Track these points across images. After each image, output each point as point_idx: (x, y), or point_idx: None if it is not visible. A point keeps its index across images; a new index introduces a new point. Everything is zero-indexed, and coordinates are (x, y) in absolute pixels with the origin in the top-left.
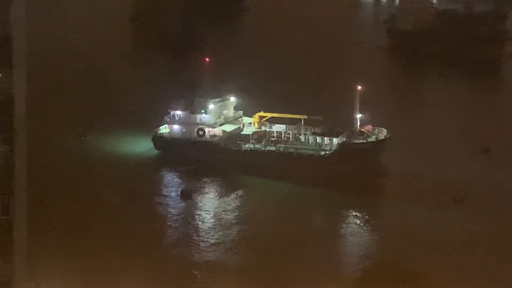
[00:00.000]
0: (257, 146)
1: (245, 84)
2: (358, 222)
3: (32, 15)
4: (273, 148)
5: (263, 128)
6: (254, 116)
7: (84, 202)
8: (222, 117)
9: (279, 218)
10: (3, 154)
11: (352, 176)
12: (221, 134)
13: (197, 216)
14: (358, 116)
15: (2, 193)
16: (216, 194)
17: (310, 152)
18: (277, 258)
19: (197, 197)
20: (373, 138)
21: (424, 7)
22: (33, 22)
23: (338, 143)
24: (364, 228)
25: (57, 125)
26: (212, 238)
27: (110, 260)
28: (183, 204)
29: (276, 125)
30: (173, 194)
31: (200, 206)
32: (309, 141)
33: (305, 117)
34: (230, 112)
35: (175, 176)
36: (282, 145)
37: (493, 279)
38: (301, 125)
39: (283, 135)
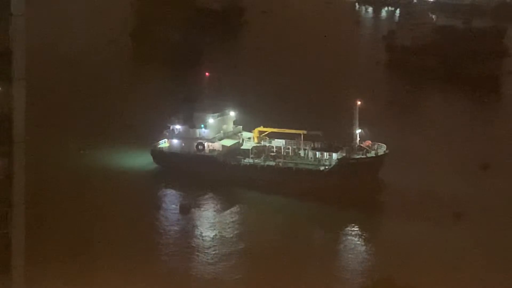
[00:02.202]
0: (257, 161)
1: (244, 99)
2: (357, 237)
3: (32, 29)
4: (273, 163)
5: (262, 143)
6: (253, 131)
7: (82, 216)
8: (221, 131)
9: (278, 233)
10: (1, 167)
11: (351, 191)
12: (220, 149)
13: (195, 231)
14: (358, 131)
15: (1, 206)
16: (215, 208)
17: (310, 167)
18: (276, 273)
19: (196, 212)
20: (372, 154)
21: (424, 23)
22: (33, 36)
23: (337, 158)
24: (363, 243)
25: (56, 139)
26: (210, 253)
27: (108, 273)
28: (181, 219)
29: (276, 140)
30: (171, 208)
31: (199, 220)
32: (309, 156)
33: (305, 132)
34: (229, 126)
35: (174, 191)
36: (282, 160)
37: None
38: (300, 140)
39: (282, 150)
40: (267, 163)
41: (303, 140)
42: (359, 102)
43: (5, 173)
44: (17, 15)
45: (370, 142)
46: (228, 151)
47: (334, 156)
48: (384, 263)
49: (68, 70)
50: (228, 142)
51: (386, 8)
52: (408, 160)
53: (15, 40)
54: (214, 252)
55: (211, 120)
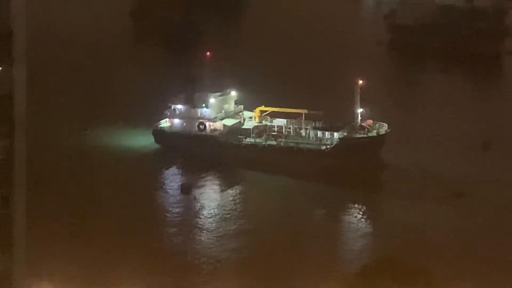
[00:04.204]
0: (258, 140)
1: (246, 79)
2: (359, 216)
3: (32, 9)
4: (274, 143)
5: (264, 123)
6: (255, 110)
7: (84, 196)
8: (223, 111)
9: (279, 213)
10: (3, 148)
11: (353, 170)
12: (222, 128)
13: (197, 210)
14: (359, 110)
15: (2, 186)
16: (216, 188)
17: (311, 146)
18: (277, 253)
19: (197, 191)
20: (374, 133)
21: (425, 1)
22: (33, 16)
23: (338, 138)
24: (365, 223)
25: (57, 119)
26: (212, 232)
27: (110, 253)
28: (183, 198)
29: (277, 119)
30: (173, 188)
31: (200, 200)
32: (310, 135)
33: (306, 111)
34: (231, 106)
35: (176, 170)
36: (283, 140)
37: (493, 274)
38: (302, 119)
39: (284, 129)
40: (268, 142)
41: (305, 119)
42: (360, 81)
43: (6, 153)
44: None
45: (371, 121)
46: (229, 130)
47: (336, 135)
48: (386, 242)
49: (69, 50)
50: (230, 122)
51: None
52: (410, 139)
53: (16, 20)
54: (215, 231)
55: (212, 100)
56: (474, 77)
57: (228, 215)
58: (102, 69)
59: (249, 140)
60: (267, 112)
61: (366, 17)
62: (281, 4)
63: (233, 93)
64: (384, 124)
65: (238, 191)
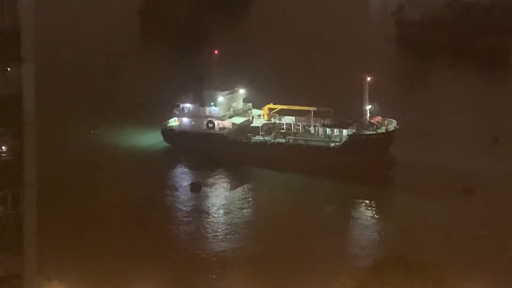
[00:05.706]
0: (267, 138)
1: (254, 76)
2: (368, 213)
3: (41, 8)
4: (283, 140)
5: (272, 120)
6: (263, 108)
7: (93, 195)
8: (231, 109)
9: (289, 210)
10: (13, 148)
11: (362, 167)
12: (230, 127)
13: (206, 209)
14: (368, 107)
15: (12, 186)
16: (226, 186)
17: (320, 143)
18: (287, 250)
19: (207, 190)
20: (382, 129)
21: None
22: (42, 16)
23: (347, 135)
24: (374, 219)
25: (66, 119)
26: (222, 231)
27: (120, 252)
28: (192, 197)
29: (286, 117)
30: (182, 186)
31: (210, 198)
32: (319, 132)
33: (315, 108)
34: (239, 104)
35: (185, 169)
36: (292, 137)
37: (504, 269)
38: (310, 116)
39: (292, 127)
40: (277, 140)
41: (313, 116)
42: (369, 78)
43: (15, 153)
44: None
45: (380, 117)
46: (238, 128)
47: (345, 132)
48: (395, 238)
49: (77, 50)
50: (238, 120)
51: None
52: (419, 136)
53: (24, 20)
54: (225, 229)
55: (220, 98)
56: (483, 72)
57: (237, 213)
58: (111, 68)
59: (258, 138)
60: (276, 110)
61: (374, 14)
62: (289, 1)
63: (242, 91)
64: (393, 120)
65: (247, 189)
